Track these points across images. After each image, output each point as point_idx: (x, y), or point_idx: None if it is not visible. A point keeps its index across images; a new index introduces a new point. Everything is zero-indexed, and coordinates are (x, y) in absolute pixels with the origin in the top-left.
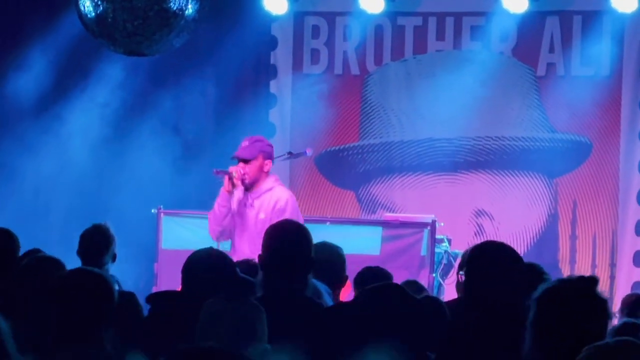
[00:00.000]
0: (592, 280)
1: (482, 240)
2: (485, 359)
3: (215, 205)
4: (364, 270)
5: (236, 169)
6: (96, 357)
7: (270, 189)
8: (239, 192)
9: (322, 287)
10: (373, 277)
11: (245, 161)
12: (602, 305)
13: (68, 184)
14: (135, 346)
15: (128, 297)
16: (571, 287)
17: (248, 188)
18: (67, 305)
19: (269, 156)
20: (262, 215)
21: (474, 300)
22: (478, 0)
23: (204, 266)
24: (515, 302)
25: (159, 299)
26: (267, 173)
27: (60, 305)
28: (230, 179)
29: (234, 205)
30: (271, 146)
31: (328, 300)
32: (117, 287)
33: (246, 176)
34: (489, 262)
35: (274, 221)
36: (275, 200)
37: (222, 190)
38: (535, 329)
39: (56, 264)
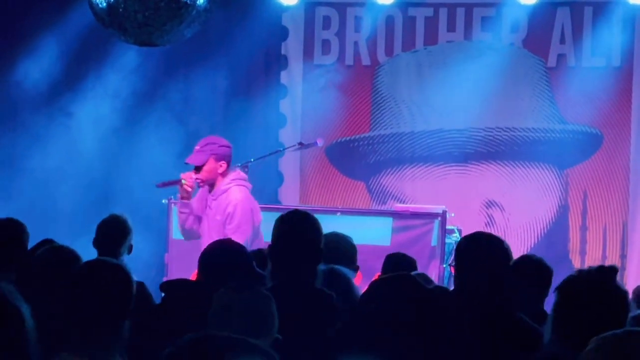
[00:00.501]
0: (612, 271)
1: (490, 233)
2: (475, 348)
3: (178, 212)
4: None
5: (187, 176)
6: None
7: (225, 191)
8: (204, 192)
9: (349, 272)
10: (395, 265)
11: (197, 167)
12: (621, 296)
13: (77, 174)
14: (146, 335)
15: (138, 287)
16: (591, 277)
17: (210, 189)
18: (86, 297)
19: (222, 157)
20: (218, 217)
21: (463, 292)
22: None
23: (220, 256)
24: (502, 292)
25: (172, 287)
26: (224, 174)
27: (78, 297)
28: (181, 186)
29: (195, 206)
30: (227, 146)
31: (354, 285)
32: None
33: (199, 181)
34: (477, 253)
35: (227, 225)
36: (226, 204)
37: (179, 197)
38: (556, 318)
39: (71, 253)
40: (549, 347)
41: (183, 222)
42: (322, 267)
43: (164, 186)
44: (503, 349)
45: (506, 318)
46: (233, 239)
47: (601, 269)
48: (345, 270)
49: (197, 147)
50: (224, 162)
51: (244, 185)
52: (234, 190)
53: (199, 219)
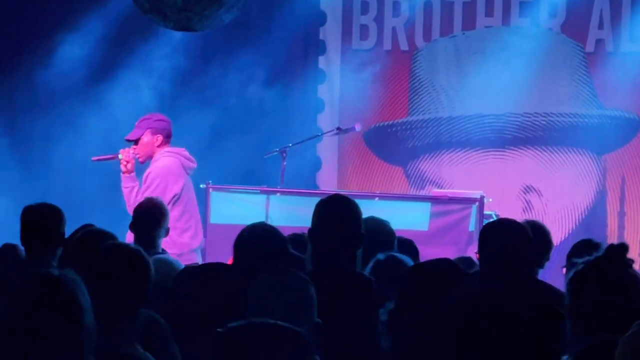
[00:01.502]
0: (621, 252)
1: (530, 218)
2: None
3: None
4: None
5: (125, 151)
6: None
7: (156, 161)
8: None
9: (410, 261)
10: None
11: (135, 141)
12: (633, 280)
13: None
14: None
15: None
16: (600, 268)
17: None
18: (103, 283)
19: (158, 131)
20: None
21: (487, 276)
22: None
23: (256, 240)
24: (526, 277)
25: (210, 270)
26: (160, 146)
27: (94, 282)
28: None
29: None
30: (163, 121)
31: None
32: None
33: (138, 155)
34: (499, 238)
35: (145, 192)
36: (149, 170)
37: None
38: (572, 314)
39: (111, 237)
40: (571, 344)
41: (127, 197)
42: (380, 256)
43: (99, 160)
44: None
45: (526, 301)
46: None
47: (609, 257)
48: (406, 258)
49: (135, 124)
50: (160, 135)
51: (174, 157)
52: (161, 159)
53: None
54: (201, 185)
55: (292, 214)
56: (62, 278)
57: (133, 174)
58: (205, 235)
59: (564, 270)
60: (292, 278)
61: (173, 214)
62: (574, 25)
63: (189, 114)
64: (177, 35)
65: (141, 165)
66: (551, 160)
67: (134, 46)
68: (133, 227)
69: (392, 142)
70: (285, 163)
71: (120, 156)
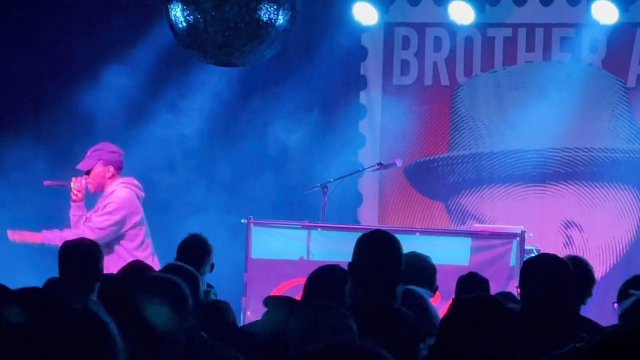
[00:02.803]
0: None
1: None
2: None
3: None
4: (463, 278)
5: (77, 180)
6: None
7: (112, 192)
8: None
9: (424, 292)
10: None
11: (87, 172)
12: None
13: (155, 194)
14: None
15: (222, 306)
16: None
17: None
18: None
19: (110, 162)
20: None
21: (528, 312)
22: (568, 11)
23: (331, 280)
24: (567, 313)
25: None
26: (112, 178)
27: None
28: (70, 189)
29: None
30: (115, 152)
31: (432, 305)
32: (213, 297)
33: (89, 185)
34: (541, 274)
35: (105, 219)
36: (107, 201)
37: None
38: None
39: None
40: None
41: (74, 225)
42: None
43: (51, 185)
44: None
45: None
46: (92, 221)
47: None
48: (419, 290)
49: (87, 154)
50: (111, 166)
51: (130, 188)
52: (119, 190)
53: None
54: (242, 220)
55: (333, 249)
56: (92, 315)
57: (82, 202)
58: (246, 270)
59: (616, 305)
60: (332, 313)
61: (135, 243)
62: (615, 60)
63: (229, 147)
64: (219, 69)
65: (91, 195)
66: (592, 195)
67: (175, 80)
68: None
69: (433, 177)
70: (326, 198)
71: (72, 184)
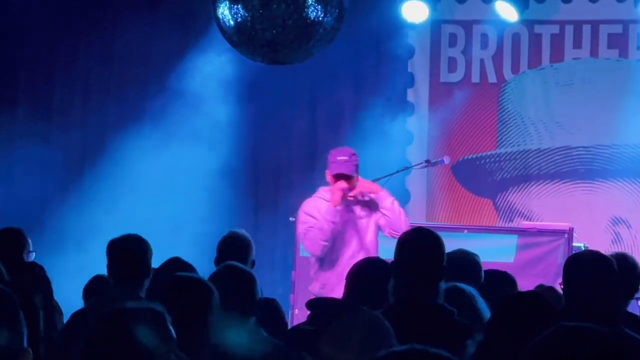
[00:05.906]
0: None
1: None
2: None
3: (322, 222)
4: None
5: (343, 186)
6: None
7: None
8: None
9: (472, 290)
10: (499, 283)
11: (347, 177)
12: None
13: (203, 192)
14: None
15: (270, 303)
16: None
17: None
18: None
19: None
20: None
21: (572, 310)
22: (615, 8)
23: (373, 277)
24: (612, 311)
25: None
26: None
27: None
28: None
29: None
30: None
31: (481, 302)
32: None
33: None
34: (584, 271)
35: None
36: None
37: (329, 206)
38: None
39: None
40: None
41: (330, 233)
42: (443, 284)
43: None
44: None
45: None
46: None
47: None
48: (468, 287)
49: (344, 158)
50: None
51: None
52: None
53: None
54: (290, 219)
55: (381, 247)
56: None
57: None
58: (294, 268)
59: None
60: (366, 313)
61: None
62: None
63: (276, 146)
64: (260, 66)
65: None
66: None
67: (222, 76)
68: (218, 262)
69: (481, 174)
70: None
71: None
